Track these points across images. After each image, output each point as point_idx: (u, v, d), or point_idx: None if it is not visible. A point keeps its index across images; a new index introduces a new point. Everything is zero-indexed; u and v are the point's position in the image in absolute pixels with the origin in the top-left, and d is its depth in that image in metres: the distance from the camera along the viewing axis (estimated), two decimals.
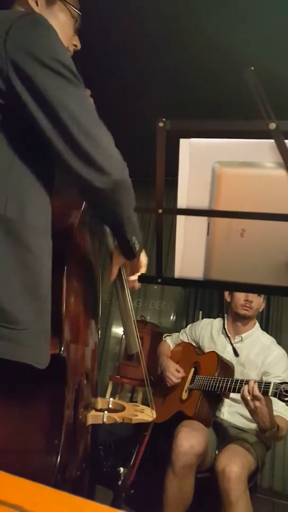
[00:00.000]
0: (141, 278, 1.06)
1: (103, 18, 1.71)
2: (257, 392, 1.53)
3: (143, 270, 1.08)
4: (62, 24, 0.94)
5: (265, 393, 1.54)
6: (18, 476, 0.42)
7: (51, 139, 0.76)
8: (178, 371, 2.01)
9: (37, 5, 0.90)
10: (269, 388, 1.53)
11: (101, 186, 0.78)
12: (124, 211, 0.86)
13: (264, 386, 1.54)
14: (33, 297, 0.76)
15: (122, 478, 1.05)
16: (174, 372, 2.01)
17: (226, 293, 2.13)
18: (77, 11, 0.97)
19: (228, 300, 2.10)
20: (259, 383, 1.57)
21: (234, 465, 1.51)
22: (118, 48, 2.01)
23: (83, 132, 0.75)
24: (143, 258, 1.07)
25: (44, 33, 0.77)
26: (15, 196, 0.76)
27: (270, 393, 1.52)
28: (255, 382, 1.58)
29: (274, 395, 1.52)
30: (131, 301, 1.13)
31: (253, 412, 1.58)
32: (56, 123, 0.74)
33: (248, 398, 1.55)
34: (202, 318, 2.37)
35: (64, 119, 0.73)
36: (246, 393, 1.56)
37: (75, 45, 1.01)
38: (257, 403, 1.53)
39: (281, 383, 1.52)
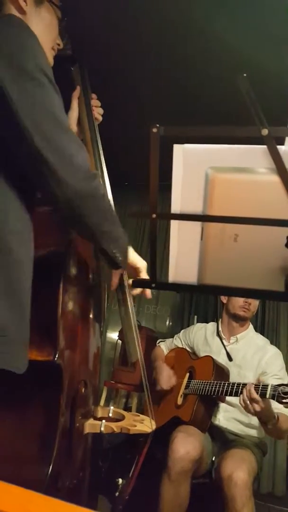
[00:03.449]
0: (136, 283, 1.06)
1: (101, 20, 1.72)
2: (254, 395, 1.53)
3: (143, 275, 1.06)
4: (48, 24, 0.95)
5: (262, 395, 1.53)
6: (9, 484, 0.42)
7: (14, 144, 0.74)
8: (171, 378, 2.00)
9: (26, 4, 0.91)
10: (266, 390, 1.53)
11: (63, 198, 0.75)
12: (94, 223, 0.82)
13: (261, 389, 1.54)
14: (13, 304, 0.75)
15: (120, 489, 1.04)
16: (166, 379, 2.00)
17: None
18: (59, 12, 0.97)
19: (224, 301, 2.11)
20: (256, 385, 1.56)
21: (241, 472, 1.50)
22: (114, 53, 2.02)
23: (45, 139, 0.71)
24: (141, 263, 1.05)
25: (18, 33, 0.75)
26: None
27: (268, 395, 1.52)
28: (252, 384, 1.57)
29: (272, 397, 1.52)
30: (133, 309, 1.11)
31: (254, 414, 1.58)
32: (19, 128, 0.71)
33: (248, 402, 1.54)
34: (197, 323, 2.37)
35: (26, 125, 0.70)
36: (245, 397, 1.55)
37: (58, 44, 1.02)
38: (256, 406, 1.53)
39: (279, 385, 1.51)
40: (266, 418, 1.60)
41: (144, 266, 1.04)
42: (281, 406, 1.67)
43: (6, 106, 0.70)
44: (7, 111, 0.70)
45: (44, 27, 0.94)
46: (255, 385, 1.57)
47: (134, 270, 1.04)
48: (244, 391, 1.57)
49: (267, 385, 1.55)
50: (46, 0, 0.94)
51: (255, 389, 1.55)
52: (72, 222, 0.85)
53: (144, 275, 1.04)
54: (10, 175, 0.76)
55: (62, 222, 0.93)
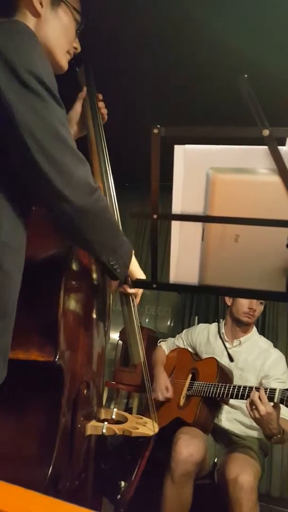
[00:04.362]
0: (136, 284, 1.06)
1: (100, 20, 1.72)
2: (266, 400, 1.50)
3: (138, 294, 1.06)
4: (65, 26, 0.93)
5: (270, 399, 1.52)
6: (10, 484, 0.42)
7: (12, 156, 0.73)
8: (167, 390, 2.00)
9: (42, 7, 0.88)
10: (274, 394, 1.52)
11: (60, 212, 0.74)
12: (89, 236, 0.81)
13: (269, 393, 1.54)
14: None
15: (122, 491, 1.03)
16: (163, 390, 2.00)
17: (227, 297, 2.12)
18: (79, 14, 0.95)
19: (229, 304, 2.09)
20: (264, 389, 1.56)
21: (247, 475, 1.49)
22: (114, 53, 2.03)
23: (44, 154, 0.70)
24: (139, 272, 1.03)
25: (24, 42, 0.73)
26: None
27: (276, 399, 1.52)
28: (265, 389, 1.55)
29: (281, 401, 1.51)
30: (136, 311, 1.10)
31: (258, 419, 1.55)
32: (18, 142, 0.70)
33: (258, 404, 1.51)
34: (198, 323, 2.36)
35: (25, 138, 0.69)
36: (256, 399, 1.52)
37: (75, 48, 0.99)
38: (263, 410, 1.50)
39: (287, 390, 1.51)
40: (270, 431, 1.55)
41: (139, 274, 1.03)
42: (286, 412, 1.66)
43: (7, 118, 0.69)
44: (7, 123, 0.69)
45: (60, 30, 0.91)
46: (264, 389, 1.56)
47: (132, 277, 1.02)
48: (257, 393, 1.54)
49: (275, 389, 1.54)
50: (63, 2, 0.91)
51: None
52: (71, 235, 0.84)
53: (139, 291, 1.05)
54: (5, 185, 0.75)
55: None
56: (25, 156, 0.70)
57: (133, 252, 0.96)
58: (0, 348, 0.75)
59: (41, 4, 0.88)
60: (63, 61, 0.95)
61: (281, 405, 1.56)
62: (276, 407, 1.53)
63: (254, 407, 1.53)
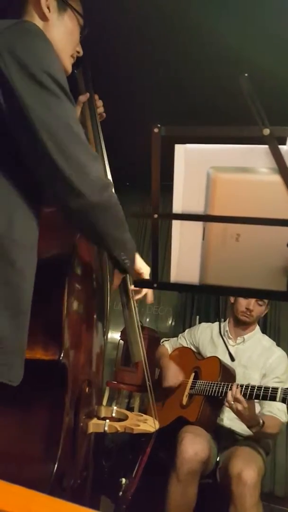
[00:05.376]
0: (137, 283, 1.07)
1: (100, 20, 1.72)
2: (238, 395, 1.58)
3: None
4: (70, 31, 0.95)
5: (272, 398, 1.57)
6: (13, 483, 0.42)
7: (27, 153, 0.74)
8: (178, 375, 2.01)
9: (49, 11, 0.90)
10: (276, 393, 1.55)
11: (76, 208, 0.76)
12: (104, 231, 0.83)
13: (271, 392, 1.57)
14: (13, 314, 0.75)
15: (123, 489, 1.04)
16: (173, 375, 2.00)
17: None
18: (82, 19, 0.97)
19: (232, 301, 2.11)
20: (266, 388, 1.60)
21: (251, 470, 1.49)
22: (114, 53, 2.03)
23: (60, 151, 0.71)
24: (145, 268, 1.06)
25: (37, 41, 0.75)
26: (3, 211, 0.74)
27: (278, 399, 1.54)
28: (237, 386, 1.62)
29: (283, 400, 1.54)
30: (136, 310, 1.12)
31: (236, 413, 1.63)
32: (34, 139, 0.71)
33: (232, 402, 1.59)
34: (199, 323, 2.37)
35: (41, 135, 0.70)
36: (230, 398, 1.60)
37: (78, 52, 1.01)
38: (239, 406, 1.57)
39: None
40: (249, 423, 1.64)
41: (147, 272, 1.06)
42: (276, 411, 1.71)
43: (22, 114, 0.70)
44: (22, 119, 0.71)
45: (65, 35, 0.93)
46: (265, 387, 1.59)
47: (139, 275, 1.06)
48: (233, 389, 1.61)
49: (277, 388, 1.56)
50: (69, 8, 0.93)
51: (264, 392, 1.57)
52: (83, 229, 0.87)
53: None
54: (18, 183, 0.76)
55: (69, 224, 0.95)
56: (41, 153, 0.71)
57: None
58: (16, 346, 0.76)
59: (48, 8, 0.89)
60: (67, 65, 0.97)
61: (273, 402, 1.62)
62: (251, 402, 1.60)
63: (232, 403, 1.60)
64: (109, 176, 1.16)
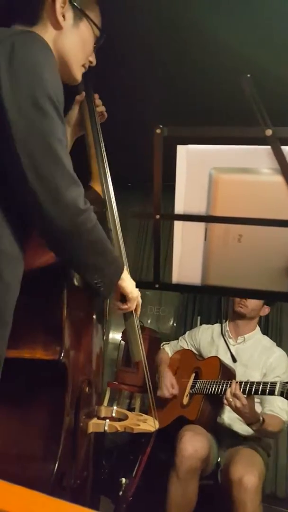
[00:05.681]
0: (139, 284, 1.07)
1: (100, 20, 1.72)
2: (237, 391, 1.57)
3: (130, 306, 0.99)
4: (84, 40, 0.93)
5: (271, 393, 1.55)
6: (14, 483, 0.42)
7: (7, 168, 0.71)
8: (173, 387, 2.01)
9: (64, 19, 0.87)
10: (275, 387, 1.55)
11: (44, 230, 0.75)
12: (76, 258, 0.81)
13: (270, 386, 1.56)
14: None
15: (123, 489, 1.04)
16: (168, 386, 2.01)
17: None
18: (99, 30, 0.96)
19: (232, 298, 2.13)
20: (264, 383, 1.59)
21: (252, 476, 1.48)
22: (115, 54, 2.03)
23: (34, 170, 0.69)
24: (130, 287, 0.96)
25: (36, 55, 0.73)
26: None
27: (276, 393, 1.53)
28: (237, 383, 1.61)
29: (281, 394, 1.53)
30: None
31: (235, 411, 1.61)
32: (12, 155, 0.69)
33: (230, 400, 1.58)
34: (200, 324, 2.37)
35: (18, 152, 0.69)
36: (228, 395, 1.59)
37: (91, 62, 1.00)
38: (238, 403, 1.56)
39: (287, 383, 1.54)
40: (249, 420, 1.62)
41: (135, 297, 0.98)
42: (277, 410, 1.71)
43: (4, 129, 0.69)
44: (4, 133, 0.69)
45: (79, 44, 0.91)
46: (263, 382, 1.59)
47: (123, 298, 0.97)
48: (232, 386, 1.60)
49: (276, 383, 1.56)
50: (85, 17, 0.91)
51: (263, 387, 1.57)
52: (55, 252, 0.83)
53: (132, 306, 0.99)
54: (6, 196, 0.75)
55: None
56: (17, 170, 0.70)
57: (125, 268, 0.92)
58: None
59: (64, 16, 0.87)
60: (78, 74, 0.95)
61: (271, 397, 1.62)
62: (250, 399, 1.59)
63: (231, 400, 1.59)
64: (109, 177, 1.16)
